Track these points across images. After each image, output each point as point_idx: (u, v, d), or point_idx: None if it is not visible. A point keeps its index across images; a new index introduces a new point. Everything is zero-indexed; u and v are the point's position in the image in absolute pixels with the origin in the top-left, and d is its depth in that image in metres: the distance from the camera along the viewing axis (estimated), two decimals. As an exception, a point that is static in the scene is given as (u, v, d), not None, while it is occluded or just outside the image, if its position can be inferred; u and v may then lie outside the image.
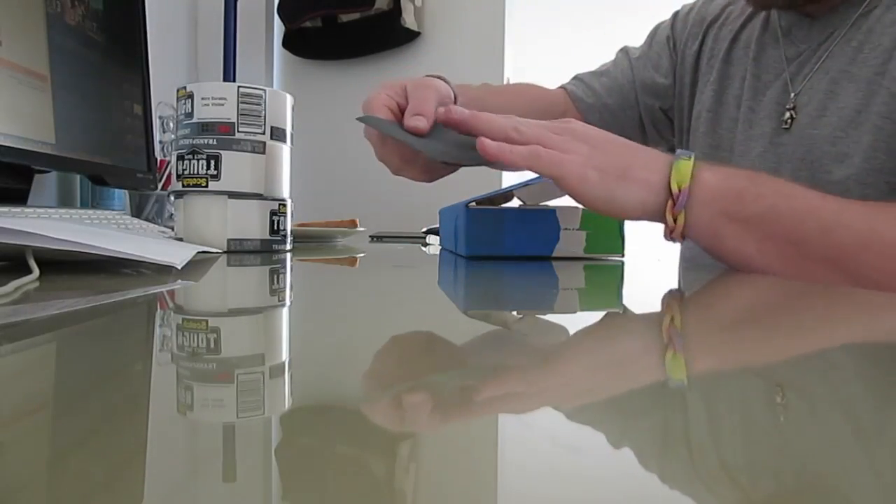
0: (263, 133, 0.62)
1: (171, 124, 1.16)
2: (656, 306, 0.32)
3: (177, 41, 1.65)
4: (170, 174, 1.07)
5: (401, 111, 0.60)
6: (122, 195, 1.08)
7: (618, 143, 0.51)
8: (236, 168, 0.60)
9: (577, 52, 1.68)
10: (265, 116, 0.62)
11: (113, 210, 0.98)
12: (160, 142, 1.16)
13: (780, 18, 0.68)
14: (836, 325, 0.27)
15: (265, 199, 0.63)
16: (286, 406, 0.13)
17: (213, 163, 0.60)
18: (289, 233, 0.67)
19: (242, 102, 0.61)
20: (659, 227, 0.50)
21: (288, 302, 0.30)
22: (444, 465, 0.10)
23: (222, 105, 0.60)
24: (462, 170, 0.67)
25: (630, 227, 0.62)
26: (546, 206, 0.61)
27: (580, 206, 0.53)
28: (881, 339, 0.23)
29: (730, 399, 0.15)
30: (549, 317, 0.26)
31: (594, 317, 0.28)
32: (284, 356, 0.18)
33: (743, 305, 0.33)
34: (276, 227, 0.64)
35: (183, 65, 1.68)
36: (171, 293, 0.31)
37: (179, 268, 0.39)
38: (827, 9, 0.63)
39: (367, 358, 0.18)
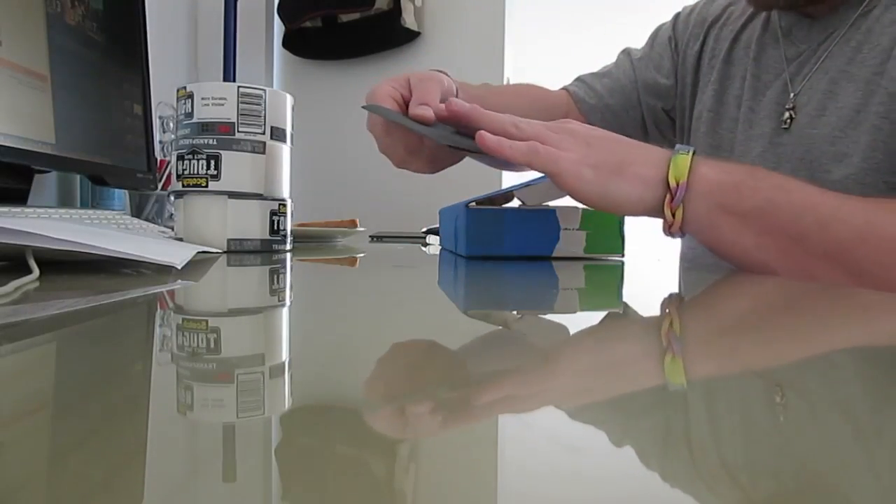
0: (263, 133, 0.62)
1: (171, 124, 1.16)
2: (656, 307, 0.32)
3: (177, 41, 1.65)
4: (170, 174, 1.07)
5: (405, 102, 0.60)
6: (122, 195, 1.08)
7: (615, 140, 0.51)
8: (236, 168, 0.61)
9: (577, 52, 1.68)
10: (265, 116, 0.62)
11: (113, 210, 0.98)
12: (160, 142, 1.16)
13: (780, 19, 0.68)
14: (839, 326, 0.27)
15: (265, 199, 0.63)
16: (286, 406, 0.13)
17: (213, 163, 0.60)
18: (289, 233, 0.67)
19: (242, 102, 0.61)
20: (659, 227, 0.50)
21: (288, 302, 0.30)
22: (444, 465, 0.10)
23: (222, 105, 0.60)
24: (462, 170, 0.67)
25: (630, 227, 0.62)
26: (546, 206, 0.61)
27: (580, 206, 0.53)
28: (884, 342, 0.23)
29: (731, 400, 0.15)
30: (550, 317, 0.26)
31: (594, 317, 0.28)
32: (284, 356, 0.18)
33: (743, 306, 0.33)
34: (276, 227, 0.64)
35: (183, 65, 1.68)
36: (171, 293, 0.31)
37: (179, 268, 0.39)
38: (827, 9, 0.63)
39: (367, 358, 0.18)
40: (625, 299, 0.35)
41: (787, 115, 0.64)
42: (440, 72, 0.65)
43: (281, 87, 1.85)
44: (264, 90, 0.62)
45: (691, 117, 0.78)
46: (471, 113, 0.53)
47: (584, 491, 0.09)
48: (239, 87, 0.61)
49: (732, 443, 0.11)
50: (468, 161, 0.63)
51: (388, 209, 1.69)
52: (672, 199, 0.47)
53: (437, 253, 0.75)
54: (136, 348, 0.19)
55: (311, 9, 1.68)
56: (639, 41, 0.85)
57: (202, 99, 0.60)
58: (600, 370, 0.17)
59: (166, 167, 1.10)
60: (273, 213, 0.63)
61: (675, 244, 0.79)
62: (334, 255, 0.67)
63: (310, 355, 0.19)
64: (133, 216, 0.95)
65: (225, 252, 0.60)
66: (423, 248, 0.88)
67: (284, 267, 0.49)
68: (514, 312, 0.28)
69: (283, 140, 0.65)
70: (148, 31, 0.98)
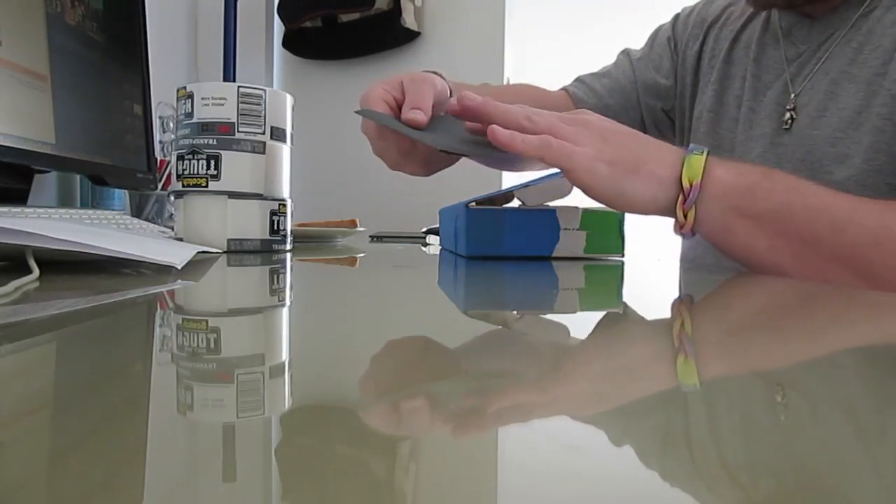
0: (263, 133, 0.62)
1: (171, 124, 1.16)
2: (657, 307, 0.32)
3: (177, 41, 1.65)
4: (170, 174, 1.07)
5: (398, 105, 0.60)
6: (122, 195, 1.08)
7: (630, 136, 0.51)
8: (236, 168, 0.60)
9: (577, 52, 1.68)
10: (265, 116, 0.62)
11: (113, 210, 0.98)
12: (160, 142, 1.16)
13: (780, 19, 0.68)
14: (850, 327, 0.27)
15: (265, 199, 0.63)
16: (286, 406, 0.13)
17: (213, 163, 0.60)
18: (289, 233, 0.67)
19: (242, 102, 0.61)
20: (659, 227, 0.50)
21: (288, 302, 0.30)
22: (444, 465, 0.10)
23: (222, 105, 0.60)
24: (462, 170, 0.67)
25: (630, 227, 0.62)
26: (546, 206, 0.61)
27: (580, 206, 0.53)
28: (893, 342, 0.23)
29: (736, 401, 0.15)
30: (550, 317, 0.26)
31: (594, 317, 0.28)
32: (284, 356, 0.18)
33: (750, 307, 0.33)
34: (276, 227, 0.64)
35: (183, 65, 1.68)
36: (171, 293, 0.31)
37: (179, 268, 0.39)
38: (827, 9, 0.63)
39: (367, 358, 0.18)
40: (625, 299, 0.35)
41: (787, 115, 0.64)
42: (434, 73, 0.65)
43: (281, 87, 1.85)
44: (264, 90, 0.62)
45: (691, 118, 0.78)
46: (482, 107, 0.52)
47: (585, 491, 0.09)
48: (239, 87, 0.61)
49: (738, 445, 0.11)
50: (468, 161, 0.63)
51: (388, 209, 1.69)
52: (685, 199, 0.47)
53: (437, 253, 0.75)
54: (136, 348, 0.19)
55: (311, 9, 1.68)
56: (639, 41, 0.85)
57: (202, 99, 0.60)
58: (600, 370, 0.17)
59: (166, 167, 1.10)
60: (273, 213, 0.63)
61: (676, 244, 0.79)
62: (334, 255, 0.67)
63: (310, 355, 0.19)
64: (133, 216, 0.95)
65: (225, 252, 0.60)
66: (423, 248, 0.88)
67: (284, 267, 0.49)
68: (514, 312, 0.28)
69: (283, 140, 0.65)
70: (148, 31, 0.98)
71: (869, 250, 0.44)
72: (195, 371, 0.16)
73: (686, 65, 0.78)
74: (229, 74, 1.59)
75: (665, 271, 0.60)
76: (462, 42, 1.67)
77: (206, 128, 0.60)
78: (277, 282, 0.39)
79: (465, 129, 0.56)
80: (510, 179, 1.40)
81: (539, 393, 0.15)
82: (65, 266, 0.41)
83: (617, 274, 0.50)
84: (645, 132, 0.82)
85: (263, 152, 0.62)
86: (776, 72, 0.67)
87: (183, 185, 0.61)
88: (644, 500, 0.09)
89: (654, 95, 0.80)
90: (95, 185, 0.95)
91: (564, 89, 0.84)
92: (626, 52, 0.84)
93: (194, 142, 0.60)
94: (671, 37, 0.80)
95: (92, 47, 0.84)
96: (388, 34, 1.66)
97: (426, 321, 0.26)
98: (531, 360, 0.18)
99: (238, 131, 0.61)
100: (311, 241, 0.99)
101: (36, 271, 0.33)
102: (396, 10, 1.61)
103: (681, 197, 0.47)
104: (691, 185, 0.46)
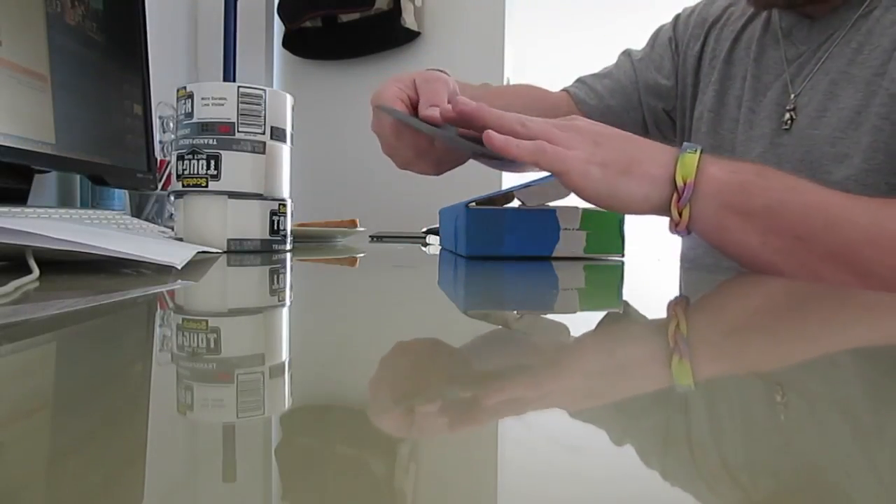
0: (263, 133, 0.62)
1: (171, 124, 1.16)
2: (657, 307, 0.32)
3: (177, 41, 1.65)
4: (170, 174, 1.07)
5: (412, 104, 0.60)
6: (122, 195, 1.08)
7: (622, 138, 0.51)
8: (236, 168, 0.60)
9: (577, 52, 1.68)
10: (265, 116, 0.62)
11: (113, 210, 0.98)
12: (160, 142, 1.16)
13: (780, 20, 0.68)
14: (846, 328, 0.27)
15: (265, 199, 0.63)
16: (286, 406, 0.13)
17: (213, 163, 0.60)
18: (289, 233, 0.67)
19: (242, 102, 0.61)
20: (660, 227, 0.50)
21: (288, 302, 0.30)
22: (444, 465, 0.10)
23: (222, 105, 0.60)
24: (462, 170, 0.67)
25: (630, 227, 0.62)
26: (546, 206, 0.61)
27: (580, 206, 0.53)
28: (892, 343, 0.23)
29: (735, 401, 0.15)
30: (550, 316, 0.26)
31: (594, 317, 0.28)
32: (284, 356, 0.18)
33: (747, 307, 0.33)
34: (276, 227, 0.64)
35: (183, 65, 1.68)
36: (171, 293, 0.31)
37: (179, 268, 0.39)
38: (827, 10, 0.63)
39: (367, 358, 0.18)
40: (625, 299, 0.35)
41: (787, 115, 0.64)
42: (441, 71, 0.65)
43: (281, 87, 1.85)
44: (264, 90, 0.62)
45: (692, 118, 0.78)
46: (477, 112, 0.52)
47: (585, 491, 0.09)
48: (239, 87, 0.61)
49: (746, 445, 0.11)
50: (468, 161, 0.63)
51: (388, 209, 1.69)
52: (679, 198, 0.47)
53: (437, 253, 0.75)
54: (136, 348, 0.19)
55: (311, 9, 1.68)
56: (639, 41, 0.85)
57: (202, 99, 0.60)
58: (599, 370, 0.17)
59: (166, 167, 1.10)
60: (273, 213, 0.63)
61: (676, 244, 0.79)
62: (334, 255, 0.67)
63: (310, 355, 0.19)
64: (133, 216, 0.95)
65: (225, 252, 0.60)
66: (423, 248, 0.88)
67: (284, 267, 0.49)
68: (515, 312, 0.28)
69: (283, 140, 0.65)
70: (148, 31, 0.98)
71: (862, 248, 0.44)
72: (195, 371, 0.16)
73: (687, 65, 0.78)
74: (229, 74, 1.59)
75: (665, 271, 0.60)
76: (462, 42, 1.67)
77: (206, 128, 0.60)
78: (277, 282, 0.39)
79: (457, 133, 0.56)
80: (510, 179, 1.40)
81: (538, 392, 0.15)
82: (65, 266, 0.41)
83: (617, 274, 0.50)
84: (647, 133, 0.82)
85: (263, 152, 0.62)
86: (776, 72, 0.67)
87: (183, 185, 0.61)
88: (644, 500, 0.09)
89: (656, 96, 0.80)
90: (95, 185, 0.95)
91: (565, 90, 0.84)
92: (627, 53, 0.84)
93: (194, 142, 0.60)
94: (672, 37, 0.80)
95: (92, 47, 0.84)
96: (388, 34, 1.66)
97: (426, 321, 0.26)
98: (531, 360, 0.18)
99: (238, 131, 0.61)
100: (311, 241, 0.99)
101: (36, 271, 0.33)
102: (396, 10, 1.62)
103: (675, 195, 0.47)
104: (685, 184, 0.46)
